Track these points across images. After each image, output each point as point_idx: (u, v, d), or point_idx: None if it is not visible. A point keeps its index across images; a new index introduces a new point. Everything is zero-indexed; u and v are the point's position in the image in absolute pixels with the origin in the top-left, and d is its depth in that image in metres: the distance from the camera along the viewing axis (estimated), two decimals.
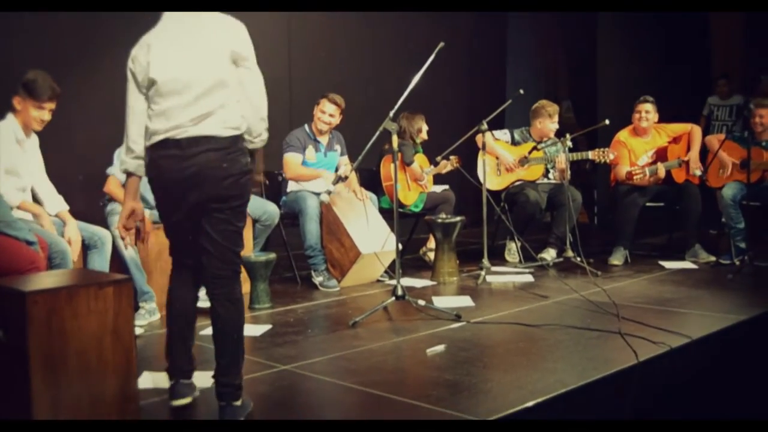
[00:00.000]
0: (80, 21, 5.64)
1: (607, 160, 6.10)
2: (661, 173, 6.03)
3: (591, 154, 6.12)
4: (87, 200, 5.52)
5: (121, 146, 4.58)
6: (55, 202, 4.34)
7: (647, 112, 6.19)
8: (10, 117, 4.10)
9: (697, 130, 6.29)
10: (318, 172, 5.67)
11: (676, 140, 6.29)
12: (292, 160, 5.66)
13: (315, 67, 7.57)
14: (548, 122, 6.37)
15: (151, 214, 4.70)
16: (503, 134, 6.53)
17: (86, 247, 4.37)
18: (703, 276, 5.59)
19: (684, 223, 6.26)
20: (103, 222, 4.58)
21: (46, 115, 4.11)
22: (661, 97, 6.36)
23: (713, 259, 6.04)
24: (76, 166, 5.73)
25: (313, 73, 7.48)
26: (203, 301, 4.61)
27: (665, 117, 6.39)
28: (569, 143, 5.92)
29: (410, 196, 6.20)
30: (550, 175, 6.47)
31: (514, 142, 6.48)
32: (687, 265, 5.98)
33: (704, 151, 6.40)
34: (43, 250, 3.73)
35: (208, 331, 4.10)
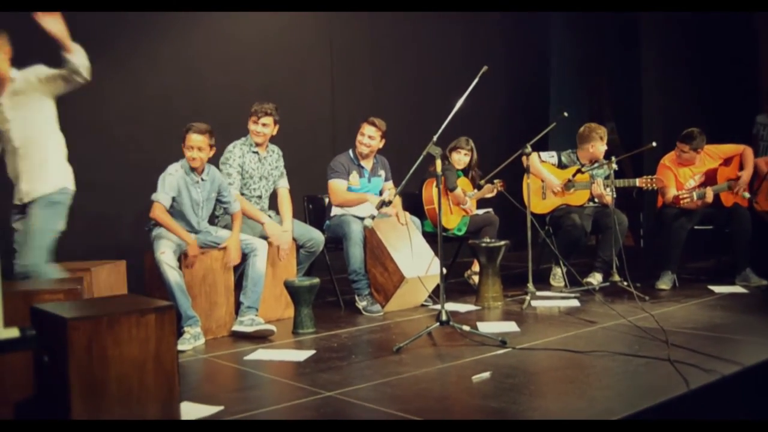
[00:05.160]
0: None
1: (655, 188, 6.00)
2: (710, 197, 5.91)
3: (638, 182, 6.00)
4: (134, 225, 5.60)
5: (164, 172, 4.68)
6: None
7: (684, 152, 6.08)
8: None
9: (749, 152, 6.15)
10: (364, 196, 5.67)
11: (726, 162, 6.17)
12: (337, 186, 5.68)
13: (358, 92, 7.61)
14: (599, 145, 6.26)
15: (196, 238, 4.77)
16: (550, 156, 6.41)
17: None
18: (755, 300, 5.46)
19: (734, 247, 6.12)
20: (150, 247, 4.61)
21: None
22: (709, 117, 6.24)
23: (765, 282, 5.90)
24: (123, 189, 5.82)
25: (357, 98, 7.52)
26: (238, 325, 4.67)
27: (715, 137, 6.26)
28: (615, 166, 5.84)
29: (452, 220, 6.17)
30: (595, 198, 6.38)
31: (560, 165, 6.38)
32: (737, 289, 5.86)
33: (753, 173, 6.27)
34: None
35: (251, 356, 4.14)
